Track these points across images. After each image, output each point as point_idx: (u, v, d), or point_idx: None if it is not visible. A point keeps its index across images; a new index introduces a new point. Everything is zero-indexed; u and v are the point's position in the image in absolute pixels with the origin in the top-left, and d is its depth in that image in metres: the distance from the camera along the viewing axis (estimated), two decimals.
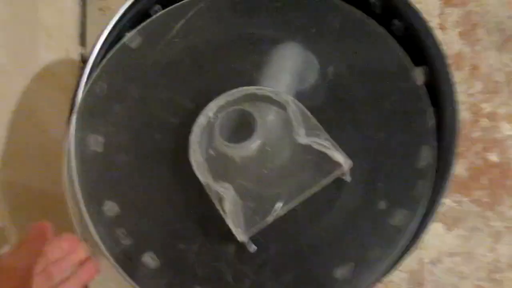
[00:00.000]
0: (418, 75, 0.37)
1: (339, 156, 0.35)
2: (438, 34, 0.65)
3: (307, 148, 0.36)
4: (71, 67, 0.72)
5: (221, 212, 0.36)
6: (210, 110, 0.38)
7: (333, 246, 0.36)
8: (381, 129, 0.37)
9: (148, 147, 0.40)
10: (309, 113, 0.37)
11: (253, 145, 0.37)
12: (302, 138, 0.37)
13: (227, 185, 0.36)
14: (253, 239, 0.37)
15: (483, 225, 0.58)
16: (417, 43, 0.37)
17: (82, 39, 0.76)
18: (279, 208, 0.35)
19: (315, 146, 0.36)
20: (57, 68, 0.68)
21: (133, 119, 0.41)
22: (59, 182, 0.38)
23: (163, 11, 0.42)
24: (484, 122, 0.61)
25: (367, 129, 0.38)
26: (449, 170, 0.33)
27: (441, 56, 0.35)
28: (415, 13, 0.37)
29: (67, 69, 0.71)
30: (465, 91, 0.63)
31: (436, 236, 0.59)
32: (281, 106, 0.38)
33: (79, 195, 0.36)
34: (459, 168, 0.60)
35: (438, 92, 0.35)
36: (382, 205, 0.36)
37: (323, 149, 0.36)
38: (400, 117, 0.37)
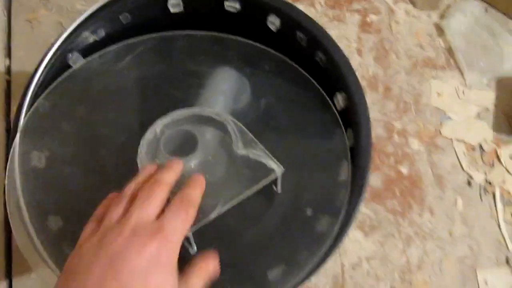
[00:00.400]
0: (338, 100, 0.44)
1: (273, 164, 0.41)
2: (356, 58, 0.74)
3: (245, 158, 0.42)
4: None
5: None
6: (157, 126, 0.43)
7: (266, 250, 0.42)
8: (306, 149, 0.44)
9: (93, 162, 0.43)
10: (246, 129, 0.43)
11: (194, 160, 0.42)
12: (240, 150, 0.43)
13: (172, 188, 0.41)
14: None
15: (396, 231, 0.66)
16: (337, 71, 0.43)
17: (8, 51, 0.75)
18: (220, 206, 0.40)
19: (252, 156, 0.42)
20: None
21: (78, 137, 0.44)
22: None
23: (114, 46, 0.47)
24: (396, 138, 0.70)
25: (293, 149, 0.45)
26: (364, 181, 0.40)
27: (356, 83, 0.42)
28: (335, 46, 0.43)
29: None
30: (379, 110, 0.71)
31: (356, 242, 0.66)
32: (221, 125, 0.44)
33: (24, 212, 0.38)
34: (375, 180, 0.68)
35: (355, 115, 0.42)
36: (309, 212, 0.43)
37: (259, 158, 0.42)
38: (322, 139, 0.44)
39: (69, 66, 0.45)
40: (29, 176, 0.40)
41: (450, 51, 0.74)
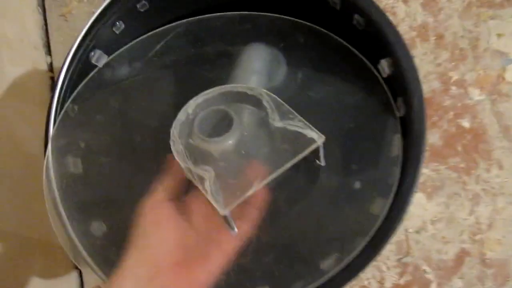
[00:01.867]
0: (383, 67, 0.38)
1: (312, 133, 0.37)
2: (401, 7, 0.67)
3: (283, 130, 0.39)
4: (39, 77, 0.72)
5: (203, 191, 0.37)
6: (189, 107, 0.40)
7: (314, 229, 0.38)
8: (350, 121, 0.40)
9: (130, 162, 0.41)
10: (281, 101, 0.39)
11: (231, 139, 0.39)
12: (277, 123, 0.39)
13: (207, 167, 0.38)
14: None
15: (461, 190, 0.61)
16: (379, 35, 0.38)
17: (48, 48, 0.75)
18: (259, 182, 0.36)
19: (290, 128, 0.38)
20: (25, 81, 0.67)
21: (110, 138, 0.42)
22: (41, 200, 0.39)
23: (143, 36, 0.44)
24: (454, 89, 0.63)
25: (337, 122, 0.40)
26: (420, 157, 0.35)
27: (402, 45, 0.36)
28: (374, 6, 0.38)
29: (35, 80, 0.71)
30: (432, 61, 0.64)
31: (418, 205, 0.61)
32: (255, 99, 0.40)
33: (65, 220, 0.37)
34: (433, 138, 0.62)
35: (403, 81, 0.36)
36: (357, 185, 0.38)
37: (298, 129, 0.38)
38: (368, 109, 0.39)
39: (95, 66, 0.42)
40: (67, 182, 0.38)
41: None
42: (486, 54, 0.64)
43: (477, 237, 0.59)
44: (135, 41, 0.45)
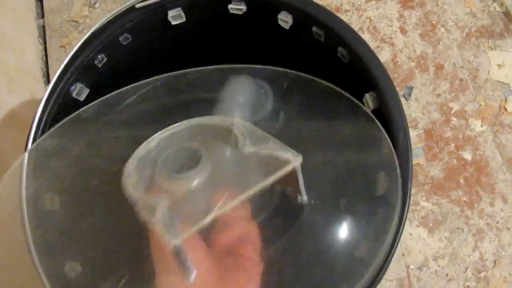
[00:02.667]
0: (367, 101, 0.36)
1: (287, 154, 0.32)
2: (400, 38, 0.65)
3: (255, 156, 0.33)
4: (37, 107, 0.71)
5: (151, 225, 0.30)
6: (152, 140, 0.36)
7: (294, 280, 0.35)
8: (336, 159, 0.37)
9: (105, 197, 0.38)
10: (255, 127, 0.35)
11: (198, 177, 0.34)
12: (248, 148, 0.33)
13: (162, 195, 0.32)
14: None
15: (464, 224, 0.57)
16: (363, 68, 0.36)
17: (47, 78, 0.75)
18: (218, 208, 0.31)
19: (263, 152, 0.33)
20: (22, 111, 0.66)
21: (82, 176, 0.39)
22: None
23: (121, 89, 0.41)
24: (454, 120, 0.61)
25: (323, 156, 0.37)
26: (407, 198, 0.32)
27: (386, 79, 0.34)
28: (358, 38, 0.36)
29: (32, 110, 0.70)
30: (432, 92, 0.62)
31: (419, 240, 0.58)
32: (227, 131, 0.36)
33: (36, 260, 0.34)
34: (434, 170, 0.60)
35: (388, 117, 0.34)
36: (343, 227, 0.35)
37: (271, 151, 0.32)
38: (355, 146, 0.36)
39: (75, 99, 0.41)
40: (39, 221, 0.36)
41: (508, 15, 0.63)
42: (487, 85, 0.61)
43: (482, 274, 0.56)
44: (108, 95, 0.41)
